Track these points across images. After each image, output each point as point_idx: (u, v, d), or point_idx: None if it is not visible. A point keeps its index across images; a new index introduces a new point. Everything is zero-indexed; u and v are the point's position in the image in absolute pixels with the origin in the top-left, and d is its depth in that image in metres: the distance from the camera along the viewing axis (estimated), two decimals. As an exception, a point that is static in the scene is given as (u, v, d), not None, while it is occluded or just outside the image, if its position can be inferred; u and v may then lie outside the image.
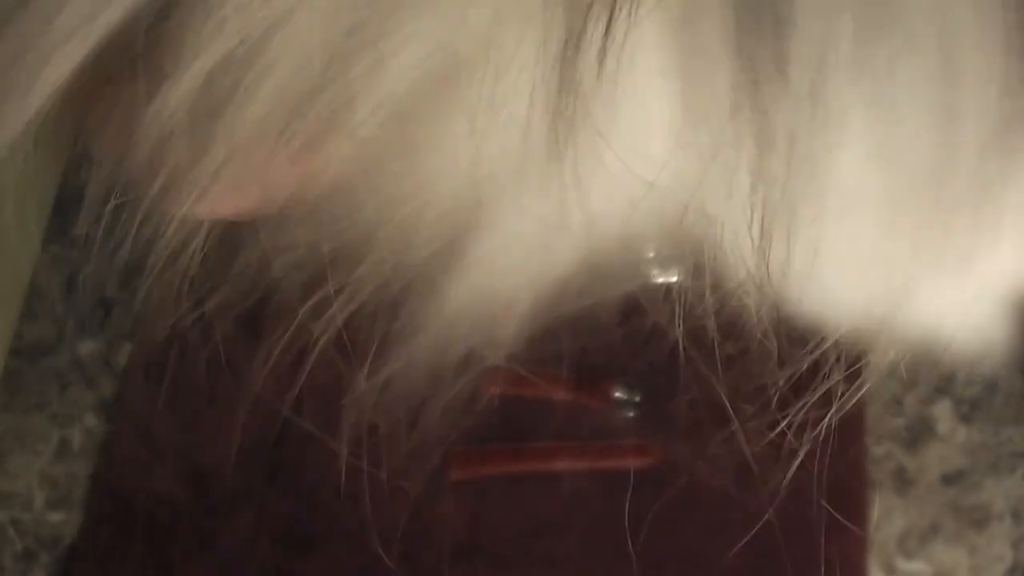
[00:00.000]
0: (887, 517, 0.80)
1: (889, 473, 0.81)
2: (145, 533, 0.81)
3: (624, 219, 0.39)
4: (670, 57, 0.34)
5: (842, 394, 0.84)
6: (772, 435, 0.82)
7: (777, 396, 0.87)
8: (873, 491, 0.81)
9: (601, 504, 0.80)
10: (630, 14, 0.31)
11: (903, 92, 0.35)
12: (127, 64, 0.32)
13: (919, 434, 0.83)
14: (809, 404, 0.84)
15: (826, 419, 0.87)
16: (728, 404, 0.83)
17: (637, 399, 0.83)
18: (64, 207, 0.94)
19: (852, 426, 0.81)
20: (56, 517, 0.83)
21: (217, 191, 0.34)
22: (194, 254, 0.38)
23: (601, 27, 0.31)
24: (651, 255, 0.89)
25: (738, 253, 0.39)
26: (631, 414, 0.83)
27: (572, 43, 0.31)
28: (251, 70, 0.32)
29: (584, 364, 0.85)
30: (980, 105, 0.35)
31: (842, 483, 0.80)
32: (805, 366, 0.87)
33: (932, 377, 0.84)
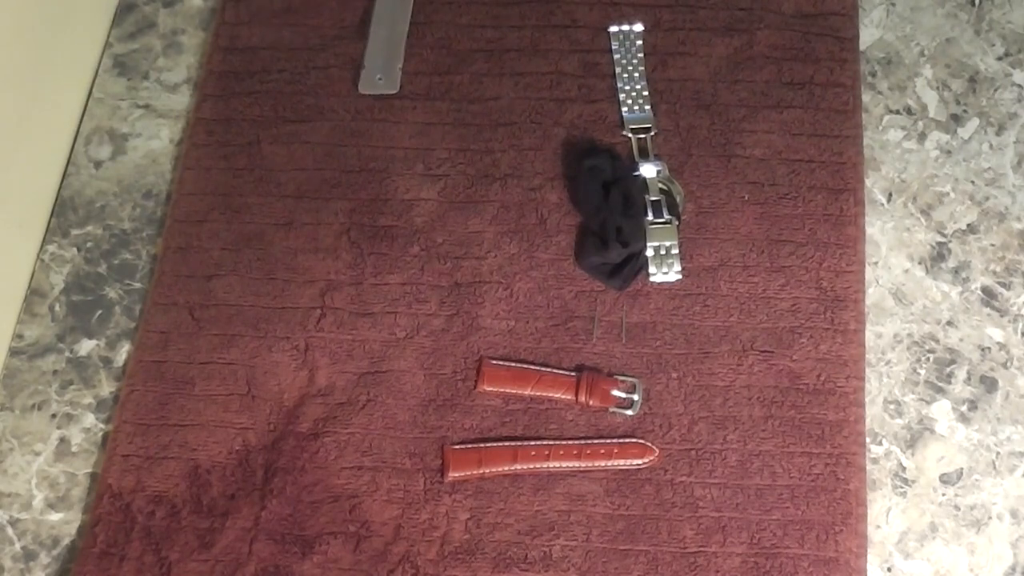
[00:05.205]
0: (886, 517, 0.80)
1: (889, 473, 0.81)
2: (145, 533, 0.80)
3: None
4: None
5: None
6: (771, 434, 0.82)
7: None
8: (873, 491, 0.81)
9: (601, 504, 0.80)
10: None
11: None
12: None
13: (919, 434, 0.83)
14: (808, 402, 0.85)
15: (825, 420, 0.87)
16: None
17: (637, 399, 0.83)
18: (64, 207, 0.94)
19: (851, 426, 0.81)
20: (56, 517, 0.83)
21: None
22: None
23: None
24: (649, 254, 0.89)
25: None
26: (631, 414, 0.82)
27: None
28: None
29: (583, 364, 0.85)
30: None
31: (841, 480, 0.79)
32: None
33: (932, 377, 0.84)
